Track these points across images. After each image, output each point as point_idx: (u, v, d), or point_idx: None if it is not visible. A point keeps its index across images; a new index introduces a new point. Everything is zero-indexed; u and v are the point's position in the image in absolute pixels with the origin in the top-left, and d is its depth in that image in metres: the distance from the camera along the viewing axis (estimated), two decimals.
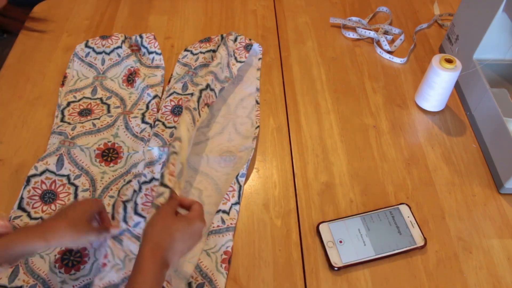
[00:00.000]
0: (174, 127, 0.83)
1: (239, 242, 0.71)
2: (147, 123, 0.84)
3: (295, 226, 0.73)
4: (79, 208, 0.61)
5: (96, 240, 0.64)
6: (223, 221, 0.71)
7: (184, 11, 1.12)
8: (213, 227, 0.70)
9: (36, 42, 1.02)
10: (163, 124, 0.83)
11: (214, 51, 0.98)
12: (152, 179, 0.75)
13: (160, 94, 0.90)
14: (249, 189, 0.77)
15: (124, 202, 0.71)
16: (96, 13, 1.10)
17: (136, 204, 0.71)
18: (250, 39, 0.99)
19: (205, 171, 0.79)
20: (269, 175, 0.79)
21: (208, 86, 0.84)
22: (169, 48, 1.02)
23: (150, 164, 0.76)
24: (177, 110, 0.86)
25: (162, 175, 0.65)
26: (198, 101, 0.80)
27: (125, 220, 0.69)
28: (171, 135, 0.81)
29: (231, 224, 0.71)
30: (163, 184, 0.64)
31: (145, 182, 0.74)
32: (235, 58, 0.95)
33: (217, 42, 1.00)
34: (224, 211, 0.72)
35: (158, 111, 0.86)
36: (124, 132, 0.83)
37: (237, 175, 0.76)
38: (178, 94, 0.89)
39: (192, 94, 0.82)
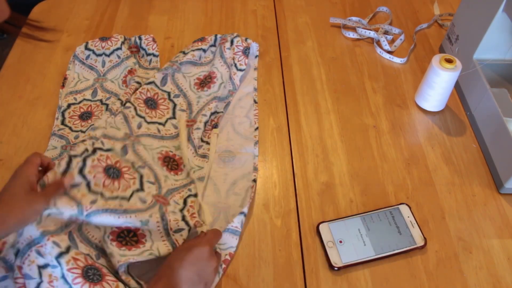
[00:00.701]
0: (144, 118, 0.83)
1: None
2: (141, 116, 0.84)
3: (295, 226, 0.73)
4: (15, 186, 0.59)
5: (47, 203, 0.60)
6: (242, 224, 0.71)
7: (184, 11, 1.12)
8: (232, 226, 0.70)
9: (36, 42, 1.02)
10: (135, 109, 0.84)
11: (204, 50, 0.97)
12: (110, 149, 0.74)
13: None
14: None
15: (71, 156, 0.69)
16: (96, 13, 1.10)
17: (84, 163, 0.69)
18: (246, 39, 0.98)
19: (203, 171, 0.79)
20: (269, 175, 0.79)
21: (211, 114, 0.86)
22: (169, 48, 1.02)
23: (110, 137, 0.76)
24: (150, 103, 0.86)
25: (184, 218, 0.70)
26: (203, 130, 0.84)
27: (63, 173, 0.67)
28: (139, 125, 0.82)
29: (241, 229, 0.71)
30: (184, 220, 0.69)
31: (100, 149, 0.73)
32: (235, 66, 0.93)
33: (210, 41, 0.98)
34: (246, 215, 0.72)
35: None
36: None
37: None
38: (156, 86, 0.89)
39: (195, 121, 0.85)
